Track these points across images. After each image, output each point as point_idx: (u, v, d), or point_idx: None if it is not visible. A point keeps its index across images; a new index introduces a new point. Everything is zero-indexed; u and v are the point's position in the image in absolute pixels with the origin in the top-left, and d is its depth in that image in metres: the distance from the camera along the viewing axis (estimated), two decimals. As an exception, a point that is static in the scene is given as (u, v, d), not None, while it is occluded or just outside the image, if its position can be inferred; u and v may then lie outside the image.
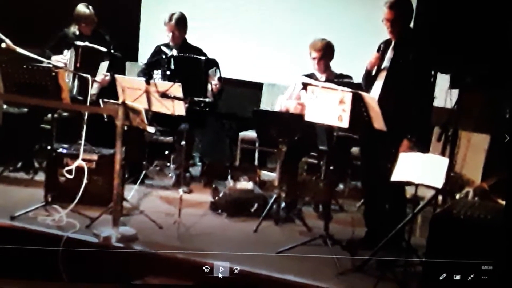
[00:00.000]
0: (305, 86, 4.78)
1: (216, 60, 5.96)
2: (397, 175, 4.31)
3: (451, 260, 4.11)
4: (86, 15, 6.01)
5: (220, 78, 5.89)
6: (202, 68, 5.76)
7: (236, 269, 4.25)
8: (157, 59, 6.00)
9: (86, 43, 5.88)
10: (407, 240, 4.42)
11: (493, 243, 4.08)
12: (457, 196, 4.76)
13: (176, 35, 5.97)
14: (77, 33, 6.04)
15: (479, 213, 4.19)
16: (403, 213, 4.57)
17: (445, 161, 4.36)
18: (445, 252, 4.14)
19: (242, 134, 6.35)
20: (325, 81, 5.32)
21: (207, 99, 5.75)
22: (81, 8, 6.03)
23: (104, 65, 5.92)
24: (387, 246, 4.44)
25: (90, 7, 6.04)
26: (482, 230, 4.09)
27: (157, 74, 5.92)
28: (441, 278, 4.14)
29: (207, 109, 5.76)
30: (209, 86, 5.80)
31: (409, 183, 4.38)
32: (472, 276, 4.15)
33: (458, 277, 4.16)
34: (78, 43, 5.87)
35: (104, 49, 5.89)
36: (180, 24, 5.96)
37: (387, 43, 4.74)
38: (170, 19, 5.93)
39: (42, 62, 5.32)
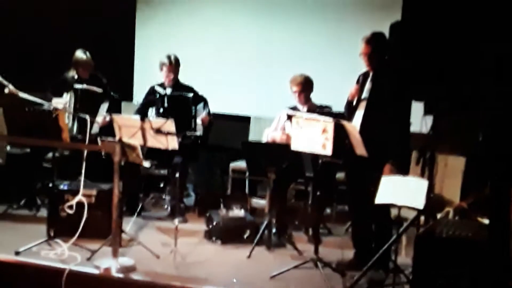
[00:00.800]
0: (289, 117, 4.72)
1: (203, 96, 5.94)
2: (380, 198, 4.21)
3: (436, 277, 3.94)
4: (83, 60, 5.92)
5: (208, 113, 5.86)
6: (190, 104, 5.70)
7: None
8: (152, 99, 5.94)
9: (84, 86, 5.82)
10: (393, 260, 4.27)
11: (474, 258, 3.93)
12: (438, 216, 4.62)
13: (173, 76, 5.93)
14: (76, 77, 5.94)
15: (460, 231, 4.04)
16: (389, 234, 4.43)
17: (424, 183, 4.26)
18: (431, 269, 3.97)
19: (233, 164, 6.24)
20: (307, 111, 5.30)
21: (197, 133, 5.71)
22: (79, 54, 5.94)
23: (104, 106, 5.87)
24: (375, 266, 4.31)
25: (87, 52, 5.95)
26: (464, 247, 3.92)
27: (151, 111, 5.87)
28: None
29: (198, 142, 5.72)
30: (198, 120, 5.75)
31: (392, 205, 4.26)
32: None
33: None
34: (77, 86, 5.79)
35: (100, 90, 5.84)
36: (177, 65, 5.93)
37: (365, 75, 4.70)
38: (170, 61, 5.88)
39: (43, 105, 5.24)
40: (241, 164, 6.04)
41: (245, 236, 5.20)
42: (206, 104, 5.90)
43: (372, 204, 4.23)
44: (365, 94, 4.62)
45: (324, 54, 6.50)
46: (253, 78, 6.78)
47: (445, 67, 5.47)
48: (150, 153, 5.37)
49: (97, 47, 6.54)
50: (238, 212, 5.37)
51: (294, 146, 4.60)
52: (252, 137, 6.47)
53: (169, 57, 5.89)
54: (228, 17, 6.91)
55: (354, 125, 4.46)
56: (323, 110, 5.26)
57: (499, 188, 3.79)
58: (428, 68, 5.53)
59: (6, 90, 5.35)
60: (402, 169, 4.48)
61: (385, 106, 4.48)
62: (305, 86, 5.48)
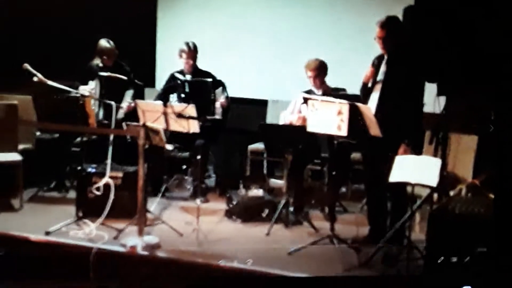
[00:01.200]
0: (306, 100, 4.66)
1: (221, 81, 5.89)
2: (394, 176, 4.16)
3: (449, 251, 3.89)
4: (107, 49, 5.89)
5: (226, 97, 5.81)
6: (210, 89, 5.68)
7: (252, 269, 4.08)
8: (172, 85, 5.90)
9: (109, 74, 5.75)
10: (408, 236, 4.21)
11: (486, 233, 3.86)
12: (451, 193, 4.55)
13: (192, 62, 5.88)
14: (101, 65, 5.91)
15: (472, 208, 3.99)
16: (404, 211, 4.37)
17: (437, 161, 4.21)
18: (444, 244, 3.91)
19: (251, 146, 6.19)
20: (322, 95, 5.24)
21: (217, 117, 5.68)
22: (103, 43, 5.91)
23: (129, 93, 5.86)
24: (389, 242, 4.28)
25: (111, 41, 5.92)
26: (476, 223, 3.87)
27: (173, 97, 5.83)
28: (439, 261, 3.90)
29: (218, 125, 5.69)
30: (217, 104, 5.71)
31: (406, 183, 4.20)
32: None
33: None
34: (102, 73, 5.75)
35: (124, 78, 5.76)
36: (195, 52, 5.88)
37: (380, 58, 4.64)
38: (189, 48, 5.84)
39: (70, 92, 5.24)
40: (259, 146, 6.01)
41: (264, 215, 5.18)
42: (224, 88, 5.84)
43: (387, 182, 4.17)
44: (380, 76, 4.56)
45: (339, 37, 6.41)
46: (270, 63, 6.72)
47: (457, 48, 5.40)
48: (173, 136, 5.34)
49: (121, 35, 6.51)
50: (256, 192, 5.34)
51: (310, 128, 4.55)
52: (270, 120, 6.40)
53: (187, 44, 5.84)
54: (246, 4, 6.85)
55: (369, 107, 4.40)
56: (338, 93, 5.18)
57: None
58: (440, 50, 5.46)
59: (35, 79, 5.34)
60: (416, 149, 4.44)
61: (400, 88, 4.43)
62: (320, 70, 5.41)
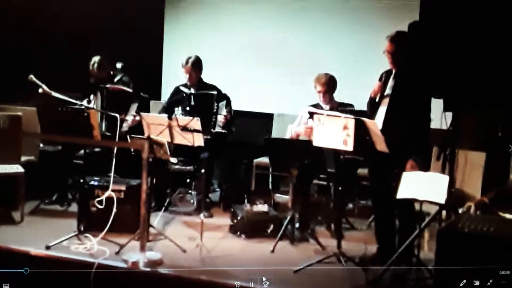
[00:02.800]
0: (311, 115, 4.56)
1: (226, 95, 5.80)
2: (402, 193, 4.06)
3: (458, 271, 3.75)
4: (94, 65, 5.81)
5: (229, 111, 5.71)
6: (213, 102, 5.60)
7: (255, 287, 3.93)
8: (177, 98, 5.83)
9: (111, 85, 5.70)
10: (416, 255, 4.09)
11: (496, 254, 3.72)
12: (460, 211, 4.42)
13: (192, 76, 5.80)
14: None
15: (482, 226, 3.84)
16: (413, 229, 4.23)
17: (445, 178, 4.12)
18: (453, 264, 3.77)
19: (256, 160, 6.09)
20: (329, 109, 5.15)
21: (222, 131, 5.59)
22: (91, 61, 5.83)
23: (134, 106, 5.74)
24: (398, 261, 4.13)
25: (95, 57, 5.83)
26: (486, 242, 3.72)
27: (177, 110, 5.73)
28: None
29: (222, 139, 5.61)
30: (219, 117, 5.62)
31: (414, 200, 4.11)
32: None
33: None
34: (104, 85, 5.66)
35: (129, 90, 5.69)
36: (195, 66, 5.80)
37: (388, 73, 4.54)
38: (187, 62, 5.79)
39: (75, 104, 5.17)
40: (264, 160, 5.89)
41: (269, 231, 5.04)
42: (228, 102, 5.75)
43: (394, 199, 4.07)
44: (388, 91, 4.46)
45: (345, 52, 6.34)
46: (276, 76, 6.64)
47: (464, 64, 5.33)
48: (177, 150, 5.22)
49: (127, 48, 6.52)
50: (261, 207, 5.21)
51: (316, 142, 4.44)
52: (275, 134, 6.31)
53: (186, 59, 5.78)
54: (252, 18, 6.79)
55: (375, 122, 4.30)
56: (345, 109, 5.05)
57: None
58: (447, 66, 5.39)
59: (40, 90, 5.32)
60: (424, 165, 4.33)
61: (408, 103, 4.33)
62: (330, 85, 5.30)
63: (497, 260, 3.71)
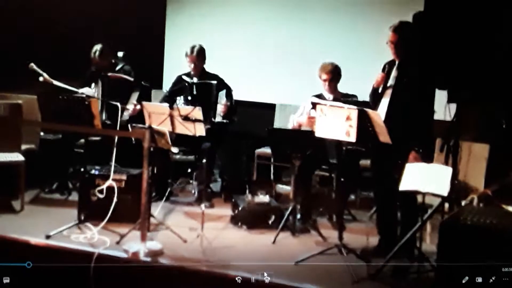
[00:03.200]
0: (314, 105, 4.54)
1: (227, 84, 5.75)
2: (404, 185, 4.01)
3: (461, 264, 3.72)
4: (95, 54, 5.74)
5: (229, 100, 5.65)
6: (213, 91, 5.56)
7: (257, 279, 3.89)
8: (179, 87, 5.78)
9: (112, 74, 5.66)
10: (418, 247, 4.06)
11: (499, 247, 3.68)
12: (463, 203, 4.38)
13: (196, 65, 5.74)
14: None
15: (485, 218, 3.82)
16: (416, 221, 4.21)
17: (448, 170, 4.06)
18: (455, 256, 3.73)
19: (258, 151, 6.06)
20: (333, 100, 5.06)
21: (224, 121, 5.55)
22: (93, 49, 5.77)
23: (135, 95, 5.71)
24: (400, 253, 4.10)
25: (97, 45, 5.76)
26: (489, 234, 3.70)
27: (179, 99, 5.70)
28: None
29: (223, 129, 5.58)
30: (218, 107, 5.58)
31: (416, 192, 4.06)
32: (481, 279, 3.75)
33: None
34: (105, 73, 5.64)
35: (130, 78, 5.65)
36: (200, 55, 5.74)
37: (391, 64, 4.50)
38: (192, 51, 5.72)
39: (76, 92, 5.16)
40: (266, 150, 5.87)
41: (270, 222, 5.01)
42: (228, 92, 5.69)
43: (397, 191, 4.02)
44: (390, 82, 4.42)
45: (348, 43, 6.28)
46: (278, 67, 6.59)
47: (468, 55, 5.28)
48: (178, 139, 5.20)
49: (129, 37, 6.48)
50: (263, 197, 5.18)
51: (318, 133, 4.40)
52: (277, 124, 6.27)
53: (191, 48, 5.72)
54: (255, 8, 6.74)
55: (378, 113, 4.26)
56: (348, 99, 4.99)
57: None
58: (451, 57, 5.34)
59: (41, 79, 5.32)
60: (427, 157, 4.30)
61: (411, 94, 4.30)
62: (335, 74, 5.26)
63: (500, 253, 3.69)
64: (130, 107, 5.57)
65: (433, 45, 5.44)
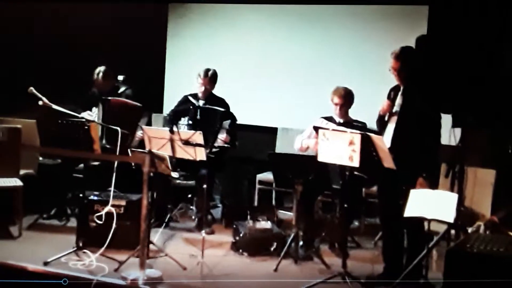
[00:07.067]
0: (316, 129, 4.52)
1: (233, 114, 5.73)
2: (409, 211, 4.00)
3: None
4: (96, 76, 5.80)
5: (229, 131, 5.61)
6: (217, 118, 5.55)
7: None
8: (184, 108, 5.76)
9: (114, 98, 5.66)
10: (424, 275, 4.02)
11: (507, 275, 3.66)
12: (469, 230, 4.36)
13: (207, 89, 5.75)
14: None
15: (492, 246, 3.78)
16: (422, 248, 4.17)
17: (454, 196, 4.07)
18: (462, 285, 3.71)
19: (260, 176, 6.05)
20: (343, 124, 5.08)
21: (224, 145, 5.54)
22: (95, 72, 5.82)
23: (143, 121, 5.73)
24: (405, 281, 4.08)
25: (100, 67, 5.82)
26: (496, 263, 3.66)
27: (183, 120, 5.69)
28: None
29: (221, 154, 5.56)
30: (219, 136, 5.56)
31: (421, 219, 4.03)
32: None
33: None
34: (106, 97, 5.64)
35: (131, 102, 5.65)
36: (212, 80, 5.75)
37: (396, 89, 4.50)
38: (206, 75, 5.72)
39: (75, 117, 5.14)
40: (268, 175, 5.86)
41: (272, 249, 4.97)
42: (233, 122, 5.68)
43: (403, 218, 4.01)
44: (396, 108, 4.42)
45: (352, 67, 6.28)
46: (281, 90, 6.60)
47: (473, 80, 5.30)
48: (178, 164, 5.20)
49: (130, 61, 6.51)
50: (264, 224, 5.16)
51: (321, 158, 4.39)
52: (279, 148, 6.27)
53: (205, 71, 5.72)
54: (257, 31, 6.77)
55: (381, 137, 4.26)
56: (357, 126, 5.03)
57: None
58: (455, 81, 5.36)
59: (40, 103, 5.27)
60: (432, 183, 4.28)
61: (416, 119, 4.30)
62: (347, 99, 5.21)
63: (507, 282, 3.66)
64: (139, 133, 5.52)
65: (437, 69, 5.47)
